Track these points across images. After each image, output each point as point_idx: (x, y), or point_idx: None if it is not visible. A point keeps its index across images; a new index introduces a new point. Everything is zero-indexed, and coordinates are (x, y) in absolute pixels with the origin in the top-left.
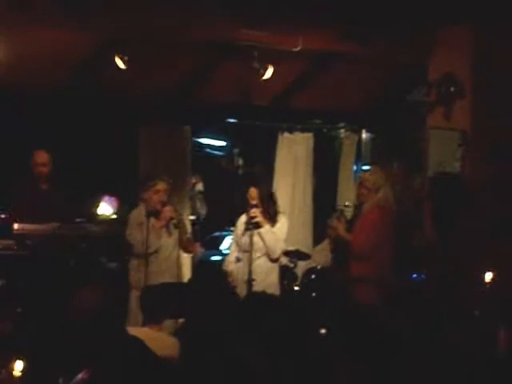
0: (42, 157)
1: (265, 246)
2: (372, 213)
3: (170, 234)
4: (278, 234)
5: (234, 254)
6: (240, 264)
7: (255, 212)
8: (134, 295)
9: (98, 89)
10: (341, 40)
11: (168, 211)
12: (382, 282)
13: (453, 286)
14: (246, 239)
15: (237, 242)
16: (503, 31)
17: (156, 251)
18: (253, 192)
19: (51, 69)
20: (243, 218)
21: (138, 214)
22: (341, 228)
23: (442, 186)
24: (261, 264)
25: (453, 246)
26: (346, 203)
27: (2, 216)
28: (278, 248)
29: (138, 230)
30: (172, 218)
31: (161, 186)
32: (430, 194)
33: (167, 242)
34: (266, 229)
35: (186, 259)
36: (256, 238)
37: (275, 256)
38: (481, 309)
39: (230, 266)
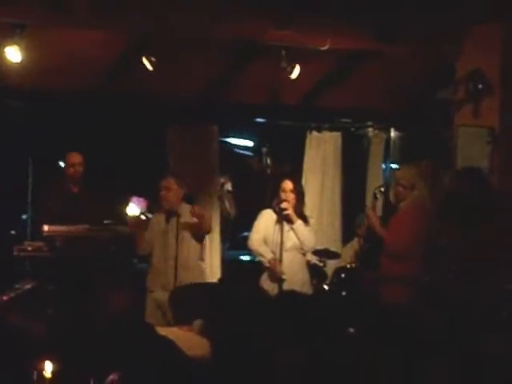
0: (75, 158)
1: (298, 239)
2: (408, 212)
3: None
4: (310, 230)
5: (263, 246)
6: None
7: (286, 205)
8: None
9: (127, 90)
10: (369, 39)
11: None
12: (414, 281)
13: (477, 287)
14: (276, 235)
15: (265, 238)
16: None
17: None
18: (287, 184)
19: (81, 70)
20: (269, 213)
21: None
22: (375, 219)
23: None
24: (292, 260)
25: (479, 245)
26: (382, 189)
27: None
28: (311, 241)
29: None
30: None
31: (165, 183)
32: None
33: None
34: (298, 223)
35: (215, 258)
36: (289, 234)
37: (307, 249)
38: (509, 310)
39: (269, 255)
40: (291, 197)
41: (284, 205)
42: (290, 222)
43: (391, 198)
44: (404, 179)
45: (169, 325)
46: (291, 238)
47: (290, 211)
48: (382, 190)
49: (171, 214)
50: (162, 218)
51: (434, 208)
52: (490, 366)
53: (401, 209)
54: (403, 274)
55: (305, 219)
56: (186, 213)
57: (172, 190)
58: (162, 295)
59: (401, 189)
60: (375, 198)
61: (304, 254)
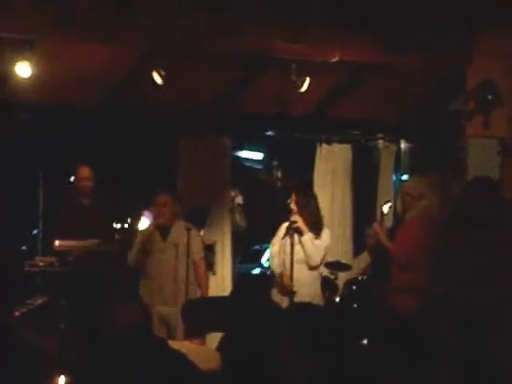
0: (85, 171)
1: (305, 253)
2: (414, 222)
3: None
4: (319, 245)
5: (276, 257)
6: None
7: (296, 217)
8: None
9: (137, 103)
10: (377, 51)
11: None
12: (424, 291)
13: (485, 293)
14: (287, 247)
15: (279, 250)
16: None
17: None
18: (294, 197)
19: (90, 84)
20: (285, 225)
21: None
22: (382, 234)
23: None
24: (301, 272)
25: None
26: (390, 204)
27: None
28: (318, 256)
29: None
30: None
31: (159, 200)
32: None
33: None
34: (307, 236)
35: (226, 272)
36: (297, 248)
37: (313, 264)
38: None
39: (279, 268)
40: (300, 210)
41: (294, 217)
42: (301, 234)
43: (398, 207)
44: (412, 189)
45: (173, 339)
46: (300, 251)
47: (299, 224)
48: (390, 204)
49: (166, 229)
50: (155, 234)
51: (443, 218)
52: (496, 370)
53: (407, 218)
54: (412, 283)
55: (318, 231)
56: (181, 230)
57: (168, 205)
58: (164, 310)
59: (408, 198)
60: (382, 213)
61: (313, 268)
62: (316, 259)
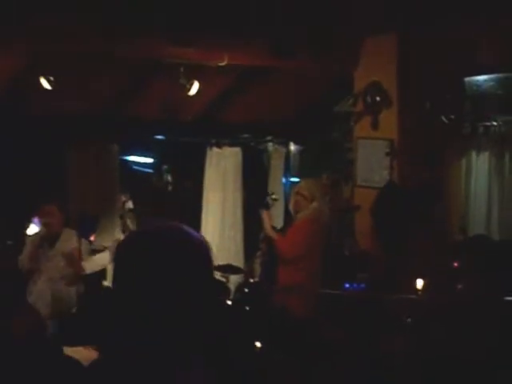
0: None
1: None
2: (304, 224)
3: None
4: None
5: None
6: None
7: None
8: None
9: (23, 111)
10: (265, 55)
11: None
12: (312, 291)
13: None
14: None
15: None
16: (426, 40)
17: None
18: None
19: None
20: None
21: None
22: (267, 222)
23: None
24: None
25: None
26: (273, 196)
27: None
28: None
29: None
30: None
31: (48, 209)
32: (376, 206)
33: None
34: None
35: None
36: None
37: None
38: (412, 315)
39: None
40: None
41: None
42: None
43: (290, 207)
44: (305, 190)
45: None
46: None
47: None
48: (274, 197)
49: (54, 238)
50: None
51: (335, 220)
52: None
53: (298, 218)
54: (299, 283)
55: None
56: (70, 237)
57: (55, 215)
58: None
59: (300, 198)
60: (267, 205)
61: None
62: None
